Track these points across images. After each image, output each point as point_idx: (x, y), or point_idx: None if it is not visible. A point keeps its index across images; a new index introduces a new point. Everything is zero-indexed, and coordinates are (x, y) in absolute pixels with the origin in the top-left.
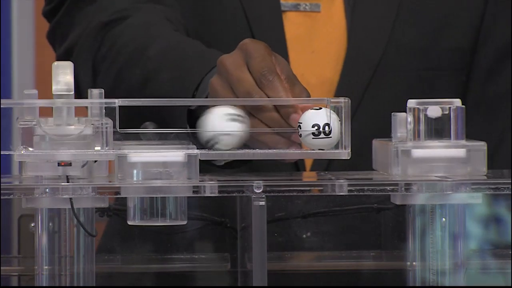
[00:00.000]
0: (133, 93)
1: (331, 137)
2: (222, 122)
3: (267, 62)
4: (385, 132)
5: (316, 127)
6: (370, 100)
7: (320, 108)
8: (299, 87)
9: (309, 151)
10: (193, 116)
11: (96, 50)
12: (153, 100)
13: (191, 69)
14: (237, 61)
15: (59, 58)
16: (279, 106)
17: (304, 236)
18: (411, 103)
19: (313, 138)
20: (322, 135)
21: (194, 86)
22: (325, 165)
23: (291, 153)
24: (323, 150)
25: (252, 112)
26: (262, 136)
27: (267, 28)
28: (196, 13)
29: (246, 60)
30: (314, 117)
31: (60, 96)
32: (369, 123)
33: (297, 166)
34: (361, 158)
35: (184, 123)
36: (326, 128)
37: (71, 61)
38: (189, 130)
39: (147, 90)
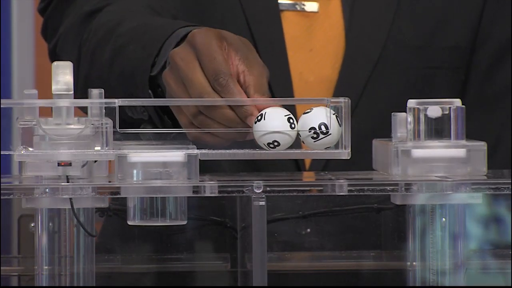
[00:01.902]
0: (104, 70)
1: (330, 133)
2: (285, 122)
3: (218, 62)
4: (384, 130)
5: (312, 130)
6: (369, 98)
7: (311, 110)
8: (258, 68)
9: (310, 151)
10: (155, 82)
11: (81, 39)
12: (153, 100)
13: (152, 37)
14: (187, 58)
15: (50, 52)
16: (234, 106)
17: (304, 232)
18: (411, 103)
19: (314, 141)
20: (321, 136)
21: (155, 52)
22: (324, 163)
23: (291, 153)
24: (329, 148)
25: (204, 112)
26: (216, 114)
27: (266, 27)
28: (195, 12)
29: (196, 55)
30: (309, 121)
31: (59, 96)
32: (367, 121)
33: (298, 164)
34: (360, 156)
35: (146, 87)
36: (323, 127)
37: (59, 52)
38: (189, 130)
39: (116, 64)
